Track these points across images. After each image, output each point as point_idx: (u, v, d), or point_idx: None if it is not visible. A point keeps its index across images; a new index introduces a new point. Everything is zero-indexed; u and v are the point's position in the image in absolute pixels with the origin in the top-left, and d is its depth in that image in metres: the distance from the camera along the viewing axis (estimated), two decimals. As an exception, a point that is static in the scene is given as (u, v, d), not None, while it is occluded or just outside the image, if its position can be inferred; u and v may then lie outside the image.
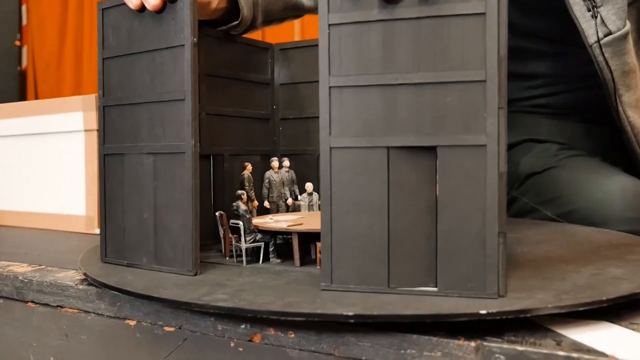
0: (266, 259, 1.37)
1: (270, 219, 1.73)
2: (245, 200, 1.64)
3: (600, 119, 1.94)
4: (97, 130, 1.49)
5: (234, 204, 1.57)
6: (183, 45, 1.19)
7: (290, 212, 2.01)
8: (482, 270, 0.88)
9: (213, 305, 0.85)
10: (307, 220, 1.52)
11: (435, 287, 0.91)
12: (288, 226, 1.44)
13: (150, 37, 1.26)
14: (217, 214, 1.48)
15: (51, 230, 2.23)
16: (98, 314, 1.11)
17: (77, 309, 1.15)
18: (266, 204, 1.95)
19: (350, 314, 0.77)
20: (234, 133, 1.93)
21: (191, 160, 1.16)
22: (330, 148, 0.97)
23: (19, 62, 6.03)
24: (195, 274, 1.15)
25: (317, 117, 2.40)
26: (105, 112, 1.36)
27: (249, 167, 2.06)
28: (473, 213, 0.89)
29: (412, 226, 0.92)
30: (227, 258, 1.43)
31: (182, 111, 1.21)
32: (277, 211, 2.04)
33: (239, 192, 1.55)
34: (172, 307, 0.98)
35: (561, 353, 0.70)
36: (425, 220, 0.91)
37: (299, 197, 2.22)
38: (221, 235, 1.42)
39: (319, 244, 1.31)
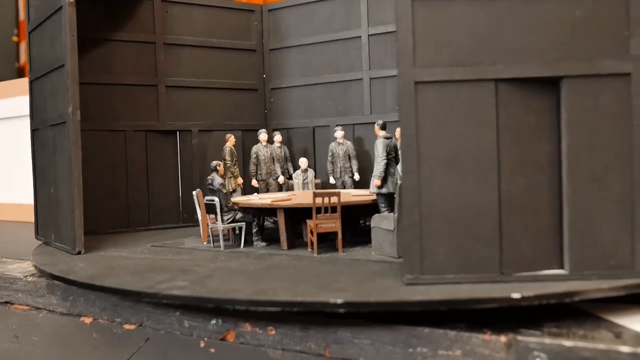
0: (250, 242, 1.20)
1: (256, 196, 1.57)
2: (222, 172, 1.50)
3: None
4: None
5: (209, 177, 1.40)
6: (62, 7, 1.05)
7: (285, 191, 1.84)
8: (629, 242, 0.69)
9: (166, 295, 0.68)
10: (298, 197, 1.36)
11: (563, 268, 0.72)
12: (272, 202, 1.28)
13: (50, 4, 1.12)
14: (194, 192, 1.32)
15: (23, 222, 2.09)
16: (50, 310, 0.95)
17: (27, 306, 0.99)
18: (254, 182, 1.81)
19: (339, 301, 0.60)
20: (206, 106, 1.78)
21: (71, 130, 1.01)
22: (416, 83, 0.76)
23: (17, 58, 5.88)
24: (79, 253, 0.99)
25: (316, 85, 2.25)
26: (32, 86, 1.23)
27: (232, 139, 1.94)
28: (614, 167, 0.70)
29: (530, 188, 0.73)
30: (205, 243, 1.27)
31: (64, 78, 1.07)
32: (267, 190, 1.89)
33: (215, 162, 1.39)
34: (119, 297, 0.81)
35: (625, 349, 0.54)
36: (547, 179, 0.72)
37: (293, 175, 2.08)
38: (198, 217, 1.26)
39: (309, 222, 1.14)
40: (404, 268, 0.71)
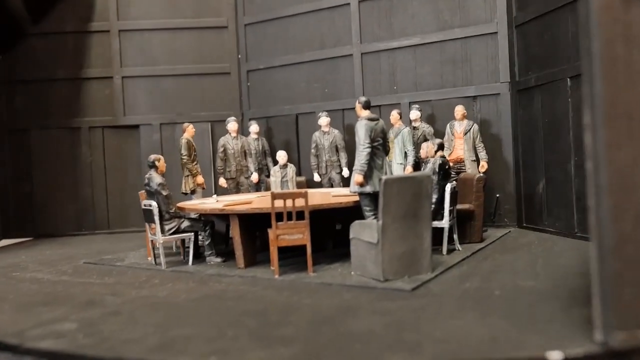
0: (204, 257, 1.08)
1: (214, 198, 1.44)
2: (163, 169, 1.38)
3: None
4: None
5: (147, 175, 1.28)
6: None
7: (264, 191, 1.72)
8: None
9: (28, 349, 0.55)
10: (260, 200, 1.23)
11: None
12: (224, 206, 1.16)
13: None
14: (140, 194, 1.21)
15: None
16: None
17: None
18: (222, 181, 1.68)
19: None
20: (170, 97, 1.68)
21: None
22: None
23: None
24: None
25: (298, 64, 2.12)
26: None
27: (190, 129, 1.85)
28: None
29: None
30: (149, 258, 1.15)
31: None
32: (238, 190, 1.77)
33: (153, 157, 1.26)
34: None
35: None
36: None
37: (271, 171, 1.96)
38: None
39: (270, 231, 1.02)
40: (603, 316, 0.52)
